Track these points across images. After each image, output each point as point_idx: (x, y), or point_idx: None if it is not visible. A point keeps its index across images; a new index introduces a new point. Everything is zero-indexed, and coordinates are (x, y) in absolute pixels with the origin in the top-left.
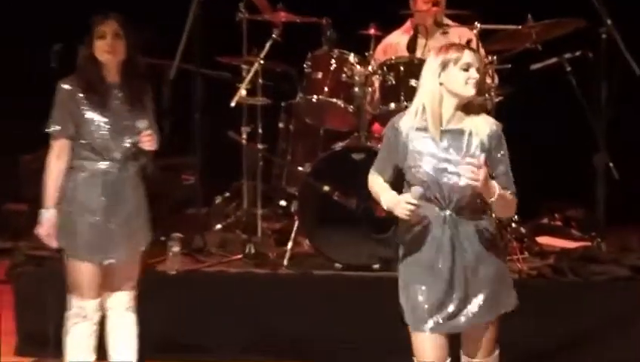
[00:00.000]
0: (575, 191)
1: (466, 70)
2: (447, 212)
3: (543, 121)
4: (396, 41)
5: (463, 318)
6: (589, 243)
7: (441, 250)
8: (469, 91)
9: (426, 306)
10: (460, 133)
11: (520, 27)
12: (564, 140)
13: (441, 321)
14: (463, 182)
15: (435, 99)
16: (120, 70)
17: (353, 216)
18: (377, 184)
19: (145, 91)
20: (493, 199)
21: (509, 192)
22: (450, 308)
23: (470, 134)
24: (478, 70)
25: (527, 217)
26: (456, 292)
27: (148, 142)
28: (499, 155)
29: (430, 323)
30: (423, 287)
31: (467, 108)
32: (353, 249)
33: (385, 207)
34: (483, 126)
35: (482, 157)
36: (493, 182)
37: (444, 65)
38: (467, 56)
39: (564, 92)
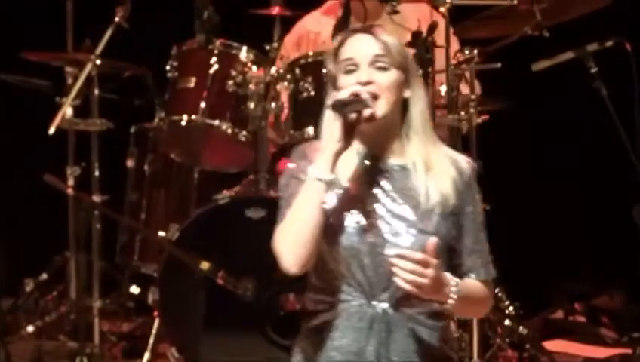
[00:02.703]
0: (606, 266)
1: (351, 72)
2: (378, 305)
3: (554, 155)
4: (315, 29)
5: None
6: (629, 351)
7: None
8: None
9: None
10: (404, 178)
11: (516, 1)
12: (588, 186)
13: None
14: (399, 281)
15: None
16: None
17: (247, 311)
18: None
19: None
20: (450, 303)
21: (479, 280)
22: None
23: (423, 181)
24: (383, 63)
25: (530, 309)
26: None
27: None
28: (467, 216)
29: None
30: None
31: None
32: None
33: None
34: (445, 167)
35: (433, 241)
36: (449, 278)
37: (333, 79)
38: (351, 44)
39: (588, 107)
